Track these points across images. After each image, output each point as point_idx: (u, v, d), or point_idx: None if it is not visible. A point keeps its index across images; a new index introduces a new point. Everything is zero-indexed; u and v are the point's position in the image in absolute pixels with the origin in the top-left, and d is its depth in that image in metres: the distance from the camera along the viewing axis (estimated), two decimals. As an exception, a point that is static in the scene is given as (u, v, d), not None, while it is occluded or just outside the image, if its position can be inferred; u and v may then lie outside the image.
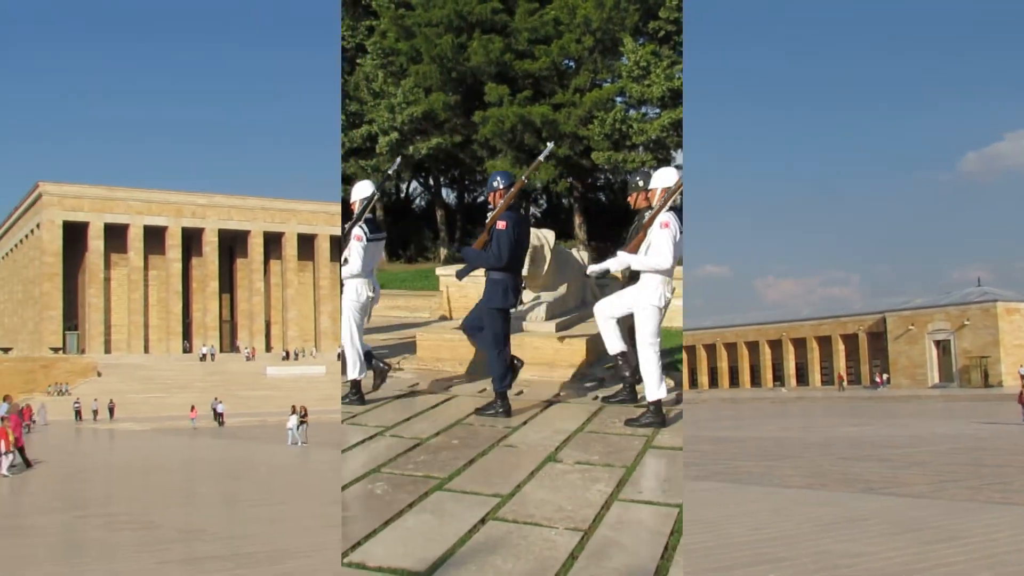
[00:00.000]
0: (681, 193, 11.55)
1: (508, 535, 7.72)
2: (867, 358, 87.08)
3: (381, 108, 54.33)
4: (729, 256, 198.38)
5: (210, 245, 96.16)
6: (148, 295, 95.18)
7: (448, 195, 64.73)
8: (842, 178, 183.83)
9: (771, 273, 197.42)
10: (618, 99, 55.64)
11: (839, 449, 23.81)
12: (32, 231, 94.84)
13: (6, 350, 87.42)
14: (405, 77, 54.91)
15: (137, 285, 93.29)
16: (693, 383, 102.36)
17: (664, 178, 11.77)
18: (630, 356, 12.27)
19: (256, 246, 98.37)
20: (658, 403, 11.63)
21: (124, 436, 43.07)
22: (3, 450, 23.78)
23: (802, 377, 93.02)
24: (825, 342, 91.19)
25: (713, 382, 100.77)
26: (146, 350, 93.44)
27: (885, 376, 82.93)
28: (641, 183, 12.04)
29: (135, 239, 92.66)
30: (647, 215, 11.51)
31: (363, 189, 13.68)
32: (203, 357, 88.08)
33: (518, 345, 14.29)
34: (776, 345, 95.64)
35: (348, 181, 55.88)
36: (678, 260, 11.52)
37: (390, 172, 15.12)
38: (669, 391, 11.65)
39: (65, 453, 29.83)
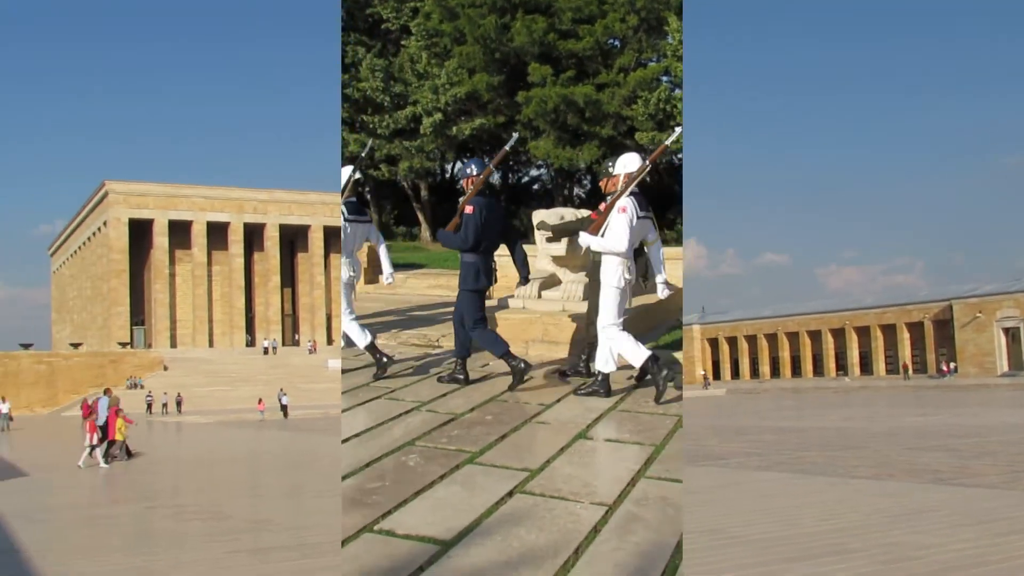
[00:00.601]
0: (647, 177, 11.99)
1: (534, 508, 7.97)
2: (933, 346, 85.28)
3: (425, 89, 54.41)
4: (789, 244, 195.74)
5: (271, 240, 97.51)
6: (212, 290, 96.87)
7: (492, 176, 65.26)
8: (905, 163, 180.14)
9: (834, 261, 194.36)
10: (663, 78, 55.05)
11: (905, 439, 23.36)
12: (99, 229, 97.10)
13: (76, 345, 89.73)
14: (449, 58, 54.85)
15: (201, 280, 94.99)
16: (754, 373, 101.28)
17: (626, 164, 12.16)
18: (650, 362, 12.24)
19: (316, 240, 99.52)
20: (606, 376, 12.13)
21: (191, 429, 43.94)
22: (93, 442, 24.35)
23: (866, 366, 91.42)
24: (889, 330, 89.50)
25: (775, 372, 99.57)
26: (210, 344, 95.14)
27: (952, 364, 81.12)
28: (611, 168, 12.35)
29: (199, 235, 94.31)
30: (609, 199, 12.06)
31: (344, 172, 13.96)
32: (265, 350, 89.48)
33: (555, 324, 14.91)
34: (839, 334, 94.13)
35: (394, 162, 56.95)
36: (636, 243, 12.10)
37: (362, 155, 15.24)
38: (669, 382, 11.96)
39: (144, 446, 30.46)
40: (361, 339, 14.10)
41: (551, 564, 6.75)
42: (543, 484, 8.60)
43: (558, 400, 12.05)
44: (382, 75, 54.84)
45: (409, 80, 55.18)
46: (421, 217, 62.65)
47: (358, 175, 14.36)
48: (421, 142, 55.62)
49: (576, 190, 62.42)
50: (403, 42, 57.22)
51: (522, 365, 12.59)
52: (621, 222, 11.89)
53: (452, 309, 13.53)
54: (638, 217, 12.05)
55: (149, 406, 65.94)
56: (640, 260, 12.63)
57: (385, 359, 13.74)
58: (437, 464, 9.33)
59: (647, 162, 11.99)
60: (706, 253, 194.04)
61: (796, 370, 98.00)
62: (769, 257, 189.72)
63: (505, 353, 12.69)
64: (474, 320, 12.86)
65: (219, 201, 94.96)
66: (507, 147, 12.90)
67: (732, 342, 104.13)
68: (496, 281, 13.00)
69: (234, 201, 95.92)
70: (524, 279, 13.66)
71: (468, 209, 12.86)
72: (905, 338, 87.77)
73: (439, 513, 7.95)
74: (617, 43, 56.20)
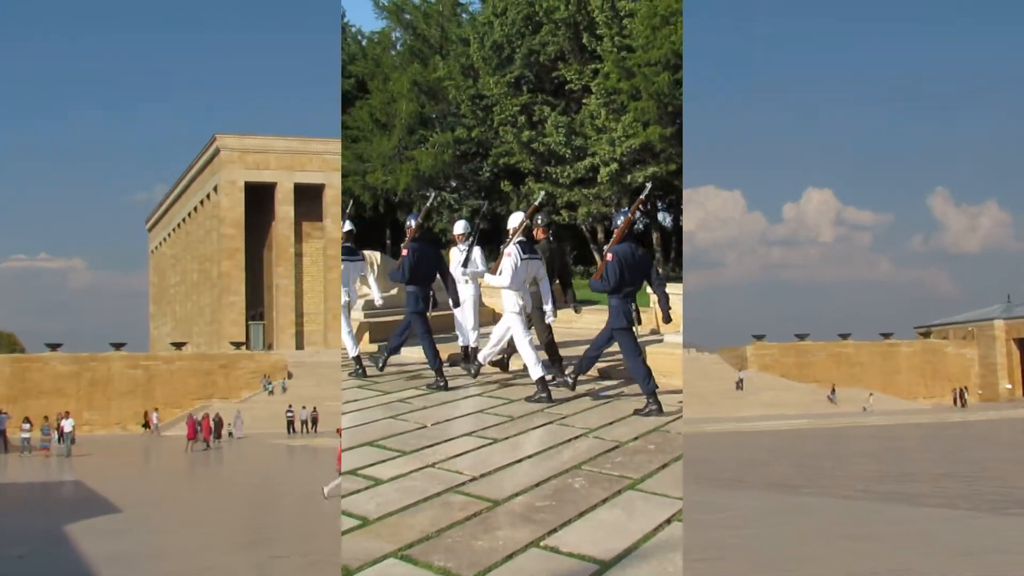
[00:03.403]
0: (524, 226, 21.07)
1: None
2: None
3: (603, 142, 78.00)
4: None
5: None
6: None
7: (664, 219, 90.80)
8: None
9: None
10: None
11: None
12: (208, 196, 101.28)
13: (179, 345, 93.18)
14: (625, 113, 77.05)
15: (335, 261, 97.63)
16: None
17: (512, 220, 21.05)
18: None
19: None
20: (542, 378, 19.59)
21: (328, 458, 45.33)
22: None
23: None
24: None
25: None
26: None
27: None
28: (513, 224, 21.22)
29: (332, 203, 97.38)
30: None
31: (346, 225, 24.57)
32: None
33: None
34: None
35: (574, 208, 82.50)
36: (528, 280, 20.94)
37: (347, 211, 25.98)
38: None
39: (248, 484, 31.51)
40: (352, 350, 23.15)
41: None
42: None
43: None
44: (564, 130, 79.65)
45: (588, 134, 79.45)
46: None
47: (350, 227, 24.33)
48: (598, 189, 78.70)
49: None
50: (584, 100, 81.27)
51: (444, 385, 21.26)
52: (506, 264, 20.56)
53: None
54: (522, 259, 20.63)
55: (290, 424, 68.93)
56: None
57: (362, 369, 22.49)
58: (600, 488, 12.78)
59: (525, 218, 20.96)
60: (1011, 220, 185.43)
61: None
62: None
63: (437, 368, 21.47)
64: (422, 335, 21.75)
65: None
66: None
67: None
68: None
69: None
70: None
71: (404, 252, 21.79)
72: None
73: (599, 534, 11.05)
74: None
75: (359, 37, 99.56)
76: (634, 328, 19.91)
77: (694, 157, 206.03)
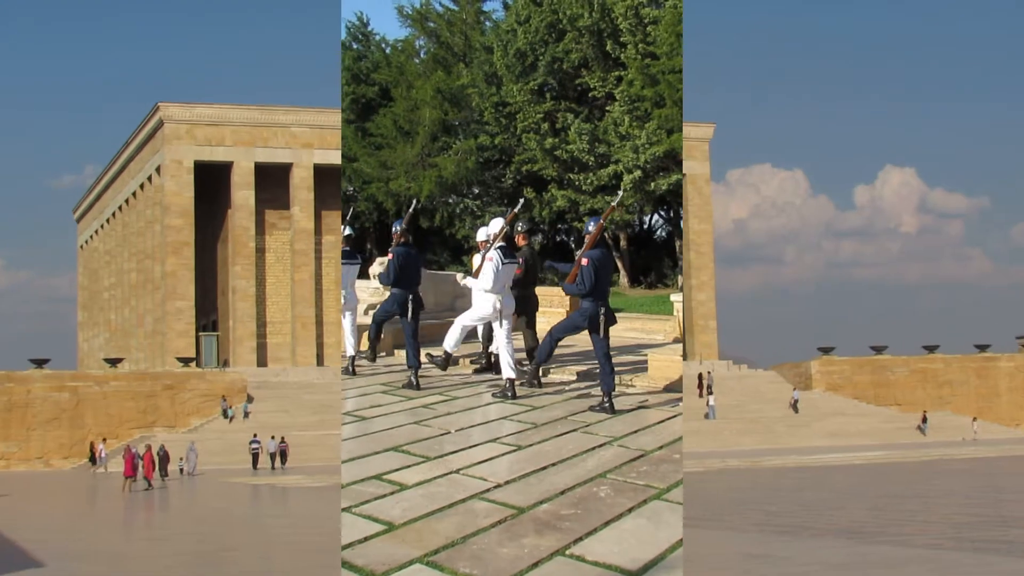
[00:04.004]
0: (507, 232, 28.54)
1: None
2: None
3: (626, 149, 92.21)
4: None
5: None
6: (321, 274, 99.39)
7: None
8: None
9: None
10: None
11: None
12: (149, 179, 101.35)
13: (114, 362, 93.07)
14: (649, 120, 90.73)
15: (306, 258, 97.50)
16: None
17: (492, 226, 28.34)
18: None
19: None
20: (512, 380, 27.02)
21: (302, 499, 44.90)
22: None
23: None
24: None
25: None
26: (320, 360, 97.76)
27: None
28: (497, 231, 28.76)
29: (301, 186, 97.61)
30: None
31: (346, 229, 33.80)
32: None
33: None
34: None
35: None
36: (506, 283, 27.89)
37: (347, 217, 37.19)
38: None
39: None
40: (349, 349, 31.40)
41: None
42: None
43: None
44: (588, 137, 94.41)
45: (612, 141, 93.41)
46: (620, 265, 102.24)
47: (349, 231, 33.26)
48: (622, 196, 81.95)
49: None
50: (608, 107, 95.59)
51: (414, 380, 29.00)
52: (486, 268, 27.37)
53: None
54: (503, 264, 27.57)
55: (255, 458, 68.98)
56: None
57: (353, 369, 30.73)
58: (626, 497, 15.10)
59: (505, 224, 27.95)
60: None
61: None
62: None
63: (415, 367, 29.19)
64: (407, 335, 29.78)
65: (334, 133, 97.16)
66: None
67: None
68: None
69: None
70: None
71: (389, 255, 29.58)
72: None
73: (625, 544, 12.91)
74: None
75: (383, 45, 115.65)
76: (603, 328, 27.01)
77: (736, 126, 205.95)
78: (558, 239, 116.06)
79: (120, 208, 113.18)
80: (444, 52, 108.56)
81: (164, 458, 60.86)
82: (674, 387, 28.25)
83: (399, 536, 13.88)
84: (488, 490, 16.18)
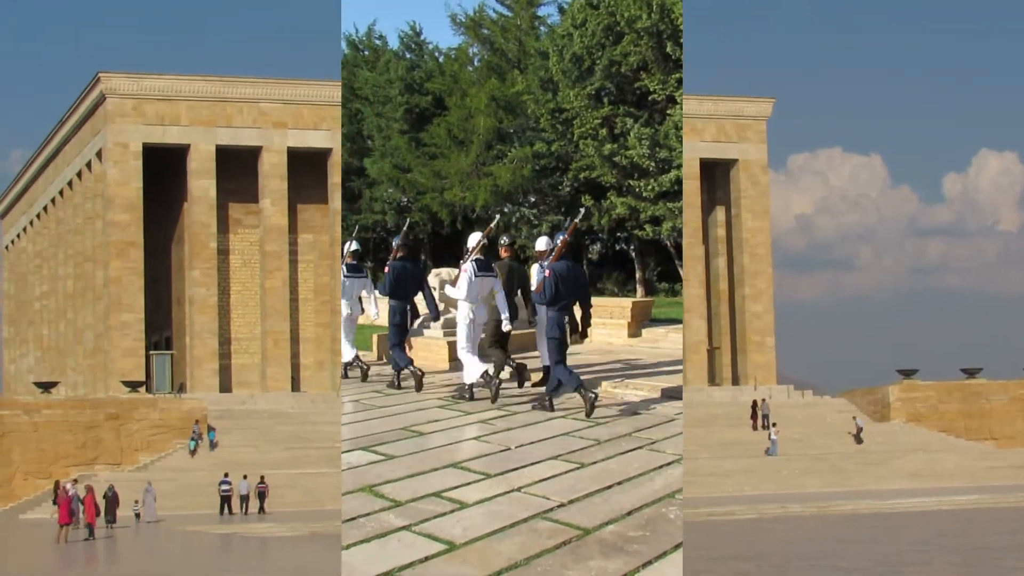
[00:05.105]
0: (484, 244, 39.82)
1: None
2: None
3: None
4: None
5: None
6: (297, 280, 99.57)
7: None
8: None
9: None
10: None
11: None
12: (88, 166, 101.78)
13: (47, 387, 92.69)
14: None
15: (278, 262, 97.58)
16: None
17: (470, 241, 40.18)
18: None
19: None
20: (471, 385, 38.81)
21: (285, 556, 45.05)
22: None
23: None
24: None
25: None
26: (295, 385, 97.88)
27: None
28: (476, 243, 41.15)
29: (273, 174, 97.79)
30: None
31: (346, 245, 47.03)
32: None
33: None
34: None
35: (658, 223, 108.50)
36: (482, 294, 39.59)
37: (353, 236, 50.00)
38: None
39: None
40: (347, 355, 45.95)
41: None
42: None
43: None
44: (648, 142, 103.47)
45: (673, 146, 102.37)
46: (682, 273, 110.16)
47: (356, 246, 45.95)
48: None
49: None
50: (668, 111, 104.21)
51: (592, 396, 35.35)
52: (462, 278, 39.25)
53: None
54: (476, 275, 38.74)
55: (225, 502, 69.34)
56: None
57: (348, 373, 45.76)
58: None
59: (482, 238, 38.80)
60: None
61: None
62: None
63: (399, 370, 41.75)
64: (392, 345, 42.44)
65: (312, 108, 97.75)
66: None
67: None
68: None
69: (328, 106, 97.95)
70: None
71: (387, 269, 43.48)
72: None
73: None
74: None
75: (436, 54, 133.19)
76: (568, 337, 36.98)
77: (799, 102, 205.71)
78: (617, 247, 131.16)
79: (53, 201, 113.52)
80: (498, 59, 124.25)
81: (112, 500, 60.79)
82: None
83: (460, 556, 15.08)
84: (551, 509, 17.57)
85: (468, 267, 37.39)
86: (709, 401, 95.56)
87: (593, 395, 35.08)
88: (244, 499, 69.02)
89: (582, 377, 36.35)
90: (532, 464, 21.60)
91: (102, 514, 57.89)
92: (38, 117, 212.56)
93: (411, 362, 40.85)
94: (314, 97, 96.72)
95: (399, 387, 40.08)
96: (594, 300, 41.99)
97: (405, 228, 40.22)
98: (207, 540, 52.25)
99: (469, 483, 19.80)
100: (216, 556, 45.30)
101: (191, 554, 45.88)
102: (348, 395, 40.13)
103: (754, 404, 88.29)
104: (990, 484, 75.13)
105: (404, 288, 40.57)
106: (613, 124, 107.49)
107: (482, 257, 37.91)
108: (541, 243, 37.40)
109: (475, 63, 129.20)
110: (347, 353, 43.35)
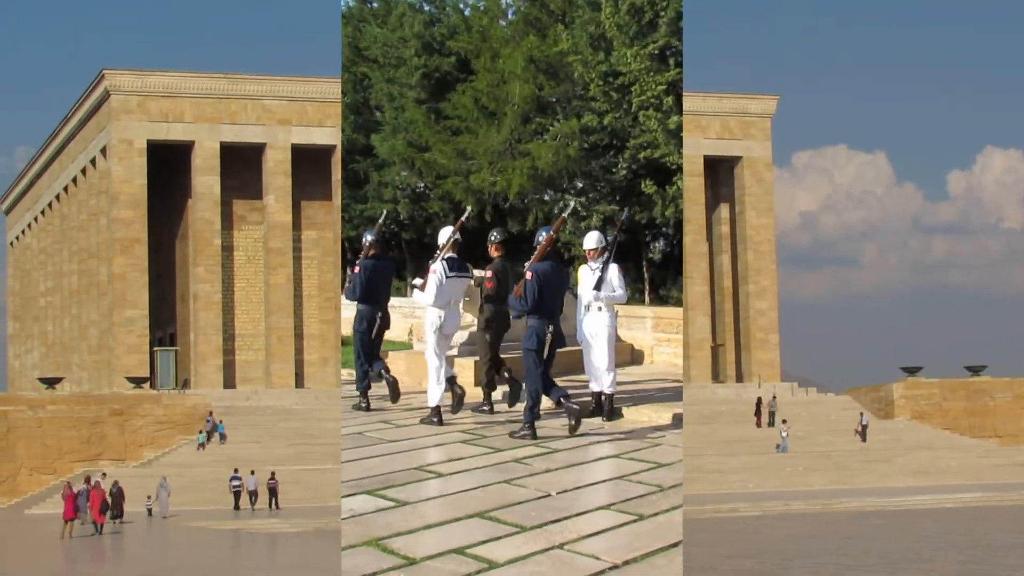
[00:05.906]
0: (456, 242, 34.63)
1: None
2: None
3: None
4: None
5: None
6: (301, 276, 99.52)
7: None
8: None
9: None
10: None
11: None
12: (93, 163, 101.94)
13: (52, 383, 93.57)
14: None
15: (282, 258, 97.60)
16: None
17: (441, 237, 35.22)
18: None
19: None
20: (437, 407, 33.66)
21: (297, 551, 45.09)
22: None
23: None
24: None
25: None
26: (299, 381, 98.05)
27: None
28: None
29: (277, 171, 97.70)
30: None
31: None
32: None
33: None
34: None
35: None
36: (454, 297, 34.53)
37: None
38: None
39: None
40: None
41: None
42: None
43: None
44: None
45: None
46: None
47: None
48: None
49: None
50: None
51: (366, 406, 36.30)
52: (430, 280, 33.56)
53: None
54: (448, 276, 33.46)
55: (237, 497, 69.36)
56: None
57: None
58: None
59: (454, 231, 33.96)
60: None
61: None
62: None
63: (363, 390, 36.28)
64: (357, 354, 36.45)
65: (316, 105, 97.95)
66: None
67: None
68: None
69: (332, 103, 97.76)
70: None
71: (355, 269, 35.15)
72: None
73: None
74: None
75: (461, 5, 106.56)
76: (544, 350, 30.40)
77: (804, 99, 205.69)
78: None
79: (58, 198, 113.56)
80: (538, 11, 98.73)
81: (118, 496, 60.74)
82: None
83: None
84: (602, 572, 14.25)
85: (438, 267, 32.40)
86: (713, 398, 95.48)
87: (577, 407, 31.23)
88: (252, 495, 69.03)
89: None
90: (577, 515, 17.12)
91: (106, 510, 57.73)
92: (42, 114, 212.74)
93: (385, 369, 35.32)
94: (318, 94, 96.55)
95: (368, 409, 34.40)
96: (657, 311, 37.09)
97: (380, 221, 33.65)
98: (211, 536, 52.16)
99: (499, 537, 16.07)
100: (220, 552, 45.24)
101: (195, 550, 45.82)
102: (350, 426, 33.82)
103: (758, 401, 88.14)
104: (994, 482, 74.93)
105: (376, 291, 34.50)
106: (680, 91, 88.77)
107: (455, 256, 33.16)
108: (591, 239, 31.61)
109: (509, 16, 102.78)
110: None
